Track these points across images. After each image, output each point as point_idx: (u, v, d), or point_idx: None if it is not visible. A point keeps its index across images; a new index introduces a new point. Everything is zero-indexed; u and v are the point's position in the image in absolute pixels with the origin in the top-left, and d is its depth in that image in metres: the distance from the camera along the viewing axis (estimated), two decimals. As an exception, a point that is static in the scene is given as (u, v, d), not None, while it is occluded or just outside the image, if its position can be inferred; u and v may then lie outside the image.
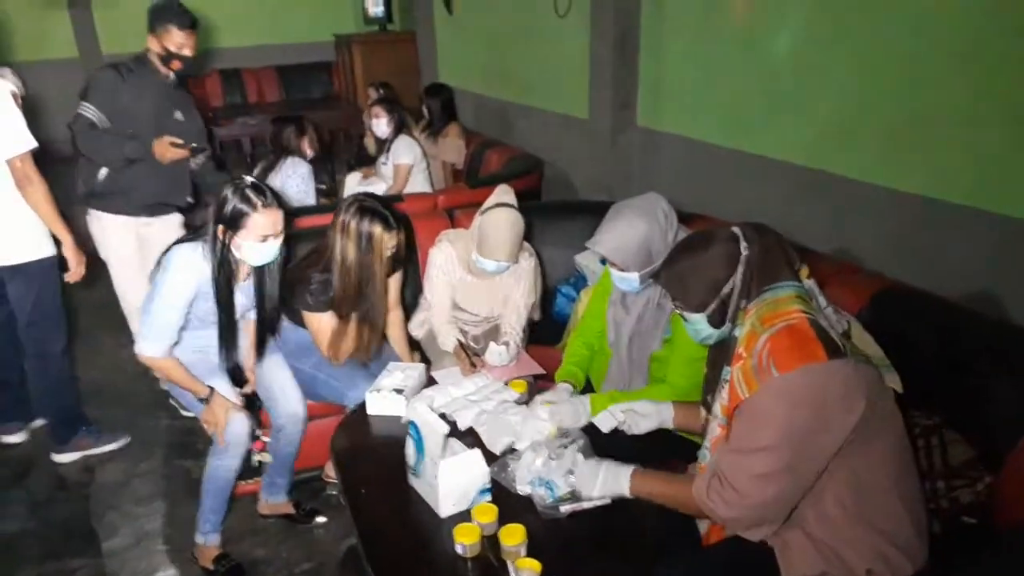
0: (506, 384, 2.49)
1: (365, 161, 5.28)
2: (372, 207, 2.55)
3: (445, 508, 1.90)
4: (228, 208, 2.29)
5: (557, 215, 3.64)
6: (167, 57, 3.17)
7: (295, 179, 4.14)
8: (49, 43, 8.54)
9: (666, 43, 4.22)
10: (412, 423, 1.98)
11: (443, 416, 2.22)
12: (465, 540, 1.75)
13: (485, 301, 2.94)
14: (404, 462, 2.03)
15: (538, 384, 2.59)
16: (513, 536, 1.72)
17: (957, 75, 2.73)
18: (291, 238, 2.81)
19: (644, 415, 2.03)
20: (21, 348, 3.16)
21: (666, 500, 1.76)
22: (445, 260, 2.89)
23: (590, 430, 2.10)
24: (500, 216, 2.67)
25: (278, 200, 2.37)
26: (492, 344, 2.75)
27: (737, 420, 1.60)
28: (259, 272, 2.50)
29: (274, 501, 2.87)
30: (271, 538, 2.81)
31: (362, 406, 2.46)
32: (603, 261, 2.32)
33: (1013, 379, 1.93)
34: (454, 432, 2.20)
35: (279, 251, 2.43)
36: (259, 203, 2.29)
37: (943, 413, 1.95)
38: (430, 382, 2.61)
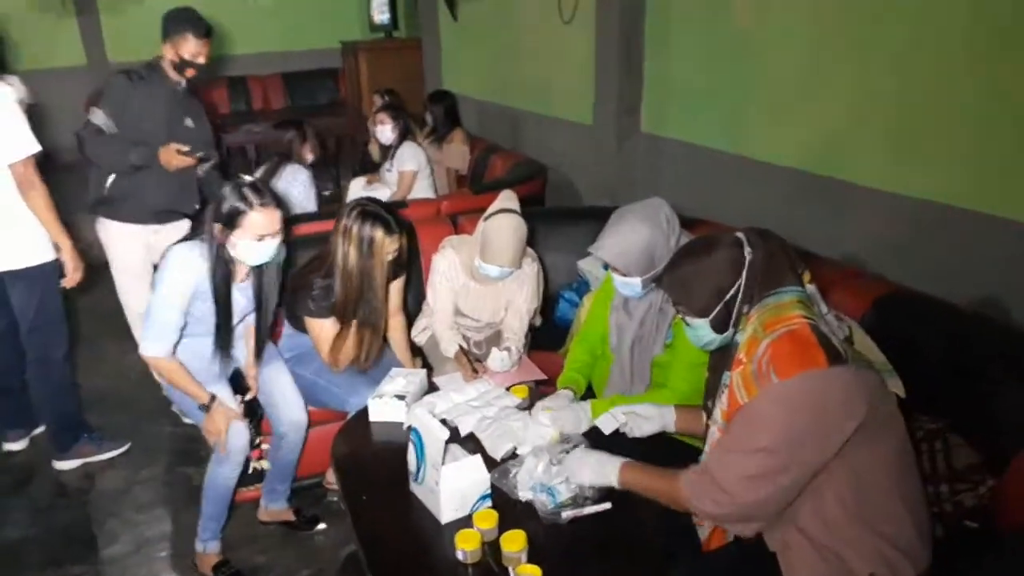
0: (508, 390, 2.49)
1: (369, 167, 5.29)
2: (374, 211, 2.54)
3: (446, 514, 1.89)
4: (225, 206, 2.30)
5: (560, 221, 3.65)
6: (182, 65, 3.18)
7: (296, 186, 4.14)
8: (57, 51, 8.59)
9: (670, 49, 4.22)
10: (413, 429, 1.97)
11: (444, 422, 2.21)
12: (466, 546, 1.74)
13: (488, 307, 2.94)
14: (405, 468, 2.02)
15: (540, 390, 2.58)
16: (514, 542, 1.71)
17: (963, 78, 2.72)
18: (294, 244, 2.82)
19: (646, 418, 2.02)
20: (22, 355, 3.16)
21: (654, 494, 1.76)
22: (448, 266, 2.88)
23: (591, 435, 2.09)
24: (503, 222, 2.66)
25: (276, 200, 2.37)
26: (494, 350, 2.74)
27: (733, 422, 1.59)
28: (258, 273, 2.49)
29: (274, 508, 2.86)
30: (271, 545, 2.80)
31: (363, 412, 2.45)
32: (606, 266, 2.31)
33: (1018, 384, 1.92)
34: (455, 438, 2.20)
35: (277, 251, 2.43)
36: (256, 202, 2.29)
37: (947, 417, 1.94)
38: (432, 388, 2.60)
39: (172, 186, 3.23)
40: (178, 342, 2.43)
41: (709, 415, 1.77)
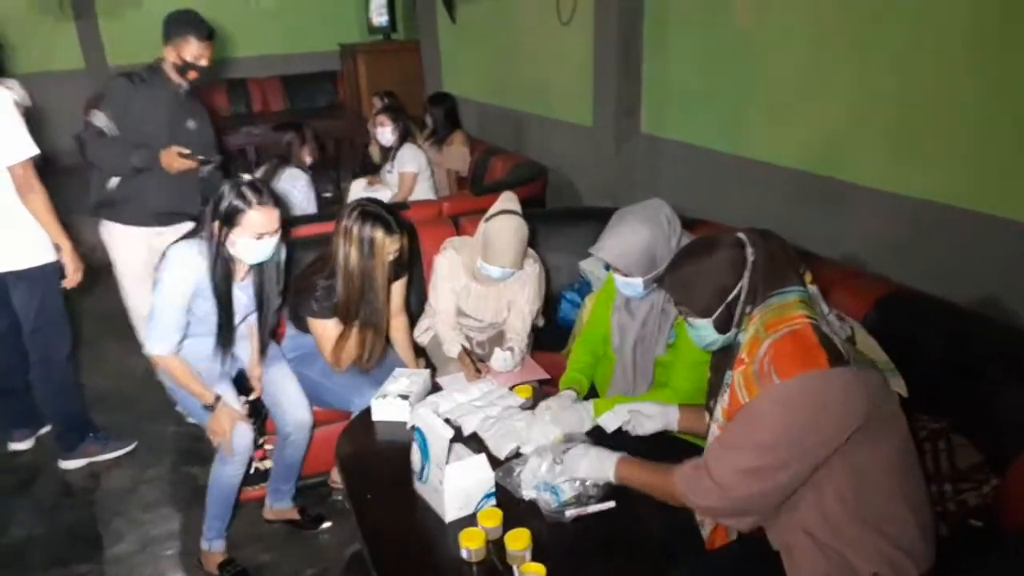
0: (511, 390, 2.50)
1: (370, 169, 5.30)
2: (374, 212, 2.56)
3: (450, 513, 1.90)
4: (224, 204, 2.32)
5: (561, 222, 3.66)
6: (184, 67, 3.19)
7: (296, 190, 4.14)
8: (56, 54, 8.58)
9: (669, 50, 4.23)
10: (417, 429, 1.99)
11: (448, 422, 2.22)
12: (470, 545, 1.75)
13: (490, 307, 2.95)
14: (409, 467, 2.04)
15: (543, 389, 2.60)
16: (518, 540, 1.72)
17: (963, 78, 2.73)
18: (294, 245, 2.84)
19: (649, 416, 2.04)
20: (25, 355, 3.17)
21: (650, 488, 1.77)
22: (450, 267, 2.90)
23: (594, 435, 2.11)
24: (504, 223, 2.68)
25: (275, 199, 2.39)
26: (497, 350, 2.75)
27: (733, 420, 1.61)
28: (258, 271, 2.51)
29: (279, 507, 2.87)
30: (276, 543, 2.81)
31: (367, 412, 2.47)
32: (607, 267, 2.33)
33: (1019, 383, 1.93)
34: (459, 437, 2.21)
35: (275, 250, 2.44)
36: (254, 200, 2.32)
37: (949, 417, 1.95)
38: (435, 388, 2.62)
39: (174, 188, 3.24)
40: (182, 341, 2.45)
41: (711, 414, 1.79)
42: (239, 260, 2.42)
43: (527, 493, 1.94)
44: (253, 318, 2.62)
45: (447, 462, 1.88)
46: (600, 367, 2.54)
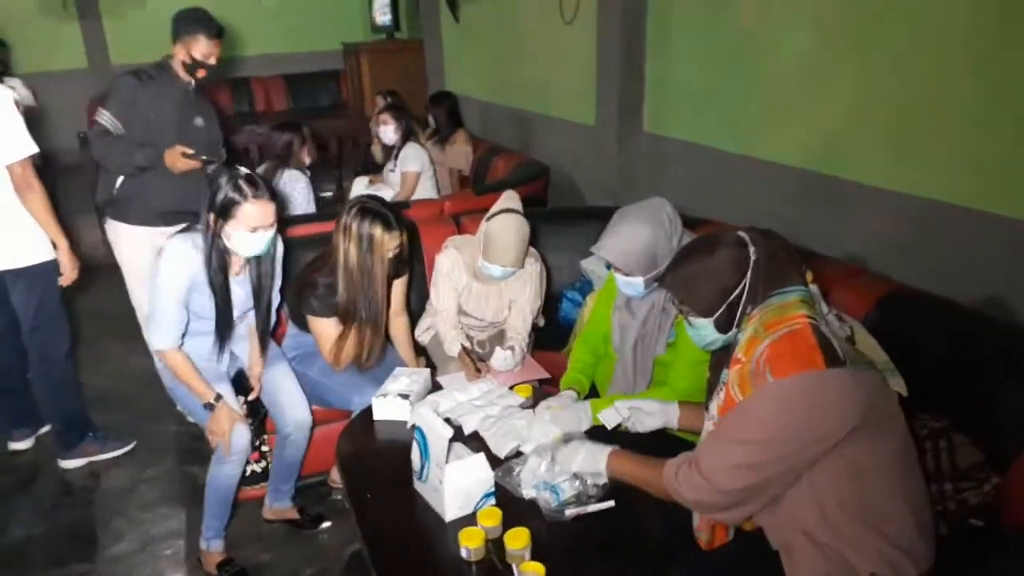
0: (511, 389, 2.49)
1: (372, 168, 5.31)
2: (373, 208, 2.56)
3: (450, 512, 1.89)
4: (220, 197, 2.32)
5: (563, 221, 3.66)
6: (193, 65, 3.19)
7: (295, 193, 4.14)
8: (59, 54, 8.61)
9: (672, 49, 4.22)
10: (417, 428, 1.98)
11: (448, 421, 2.22)
12: (470, 544, 1.75)
13: (491, 306, 2.95)
14: (409, 467, 2.03)
15: (543, 389, 2.59)
16: (517, 540, 1.72)
17: (964, 76, 2.72)
18: (293, 245, 2.84)
19: (649, 413, 2.03)
20: (24, 354, 3.18)
21: (641, 482, 1.78)
22: (451, 266, 2.89)
23: (593, 434, 2.10)
24: (506, 222, 2.68)
25: (271, 193, 2.39)
26: (498, 349, 2.75)
27: (727, 417, 1.60)
28: (253, 265, 2.51)
29: (279, 506, 2.87)
30: (276, 543, 2.81)
31: (368, 411, 2.46)
32: (608, 266, 2.32)
33: (1021, 383, 1.93)
34: (459, 437, 2.21)
35: (270, 244, 2.44)
36: (250, 193, 2.32)
37: (950, 416, 1.94)
38: (436, 387, 2.61)
39: (179, 188, 3.23)
40: (183, 337, 2.46)
41: (708, 412, 1.78)
42: (234, 253, 2.42)
43: (527, 492, 1.94)
44: (252, 316, 2.62)
45: (447, 461, 1.87)
46: (601, 366, 2.53)
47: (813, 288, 1.68)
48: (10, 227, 2.91)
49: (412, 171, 4.62)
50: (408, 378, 2.55)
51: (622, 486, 1.87)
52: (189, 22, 3.16)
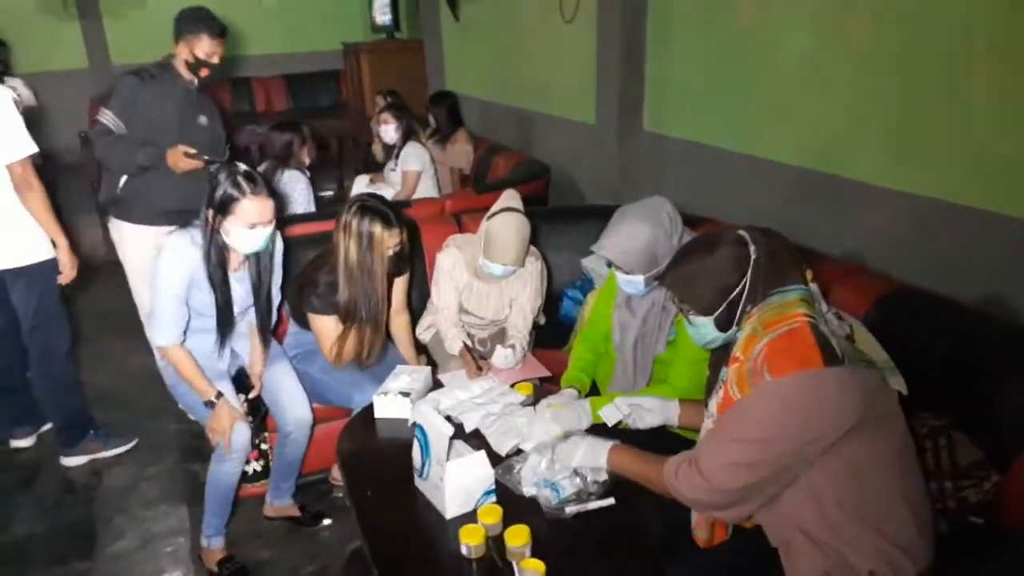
0: (512, 387, 2.50)
1: (373, 168, 5.31)
2: (373, 206, 2.57)
3: (451, 509, 1.90)
4: (219, 193, 2.33)
5: (564, 219, 3.66)
6: (196, 64, 3.19)
7: (295, 194, 4.14)
8: (60, 53, 8.61)
9: (672, 48, 4.23)
10: (418, 425, 1.99)
11: (449, 418, 2.23)
12: (470, 541, 1.75)
13: (492, 305, 2.95)
14: (410, 464, 2.03)
15: (544, 387, 2.59)
16: (518, 537, 1.72)
17: (964, 75, 2.73)
18: (295, 244, 2.84)
19: (649, 410, 2.03)
20: (25, 353, 3.18)
21: (640, 478, 1.78)
22: (452, 264, 2.90)
23: (594, 431, 2.10)
24: (506, 221, 2.68)
25: (269, 190, 2.39)
26: (498, 347, 2.75)
27: (725, 415, 1.60)
28: (253, 263, 2.52)
29: (280, 504, 2.87)
30: (276, 540, 2.82)
31: (368, 409, 2.47)
32: (609, 264, 2.32)
33: (1021, 380, 1.93)
34: (460, 434, 2.21)
35: (268, 241, 2.45)
36: (248, 190, 2.33)
37: (951, 414, 1.94)
38: (436, 385, 2.62)
39: (181, 187, 3.23)
40: (184, 333, 2.46)
41: (707, 409, 1.78)
42: (233, 249, 2.43)
43: (527, 490, 1.94)
44: (252, 314, 2.62)
45: (448, 459, 1.88)
46: (601, 364, 2.54)
47: (813, 287, 1.68)
48: (10, 226, 2.91)
49: (413, 170, 4.63)
50: (409, 376, 2.55)
51: (622, 483, 1.88)
52: (192, 21, 3.16)
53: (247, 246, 2.41)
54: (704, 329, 1.72)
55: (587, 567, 1.76)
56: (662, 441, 2.03)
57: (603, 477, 1.93)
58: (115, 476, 3.25)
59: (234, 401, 2.56)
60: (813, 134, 3.41)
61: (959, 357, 2.07)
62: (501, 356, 2.71)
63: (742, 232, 1.68)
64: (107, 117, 3.11)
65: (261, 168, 4.19)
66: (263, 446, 2.83)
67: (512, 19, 5.92)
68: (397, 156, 4.71)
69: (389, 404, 2.42)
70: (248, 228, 2.35)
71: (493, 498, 1.94)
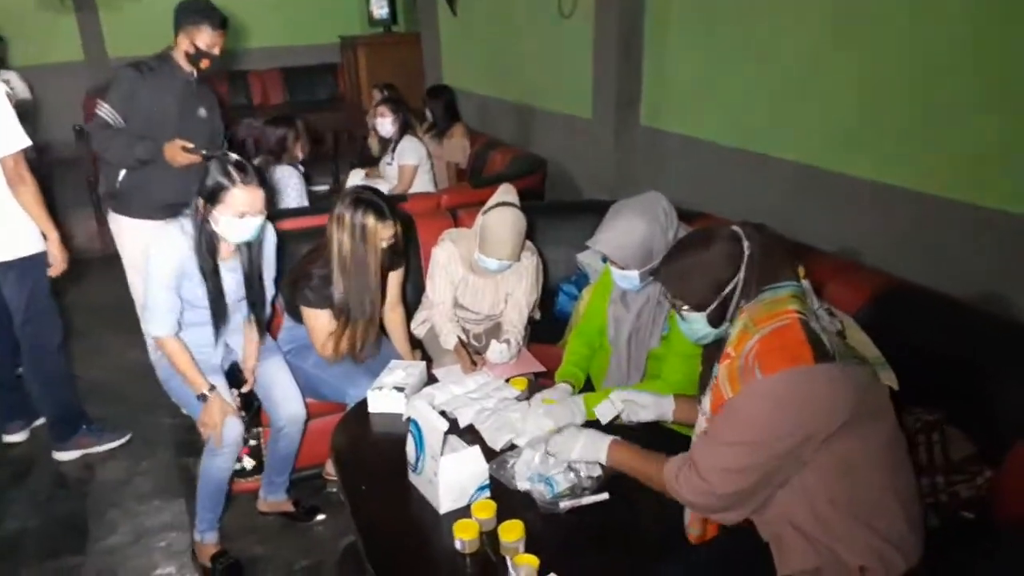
0: (507, 382, 2.49)
1: (369, 162, 5.29)
2: (367, 199, 2.56)
3: (445, 504, 1.90)
4: (209, 181, 2.33)
5: (560, 214, 3.65)
6: (197, 56, 3.17)
7: (288, 189, 4.13)
8: (55, 46, 8.59)
9: (670, 43, 4.22)
10: (412, 420, 1.98)
11: (443, 414, 2.23)
12: (464, 536, 1.75)
13: (487, 299, 2.94)
14: (404, 459, 2.03)
15: (539, 381, 2.59)
16: (512, 532, 1.72)
17: (963, 70, 2.72)
18: (289, 238, 2.83)
19: (644, 406, 2.03)
20: (17, 347, 3.17)
21: (640, 475, 1.78)
22: (448, 259, 2.89)
23: (589, 426, 2.10)
24: (502, 215, 2.67)
25: (260, 180, 2.39)
26: (493, 342, 2.74)
27: (718, 415, 1.60)
28: (243, 253, 2.51)
29: (273, 499, 2.87)
30: (270, 535, 2.81)
31: (363, 404, 2.46)
32: (604, 259, 2.32)
33: (1015, 376, 1.93)
34: (454, 429, 2.21)
35: (259, 231, 2.44)
36: (238, 179, 2.32)
37: (945, 409, 1.94)
38: (431, 380, 2.61)
39: (180, 181, 3.21)
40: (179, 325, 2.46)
41: (701, 406, 1.78)
42: (223, 239, 2.42)
43: (521, 485, 1.94)
44: (246, 308, 2.61)
45: (442, 454, 1.87)
46: (596, 359, 2.53)
47: (805, 283, 1.67)
48: (1, 220, 2.90)
49: (409, 164, 4.61)
50: (404, 371, 2.54)
51: (616, 478, 1.88)
52: (193, 11, 3.13)
53: (237, 235, 2.40)
54: (696, 325, 1.71)
55: (581, 562, 1.76)
56: (656, 436, 2.03)
57: (597, 472, 1.93)
58: (108, 471, 3.24)
59: (227, 395, 2.55)
60: (810, 130, 3.40)
61: (954, 352, 2.07)
62: (496, 351, 2.70)
63: (736, 228, 1.68)
64: (105, 110, 3.09)
65: (255, 162, 4.17)
66: (252, 442, 2.82)
67: (509, 13, 5.90)
68: (393, 150, 4.69)
69: (383, 399, 2.42)
70: (238, 217, 2.34)
71: (487, 493, 1.93)
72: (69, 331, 3.33)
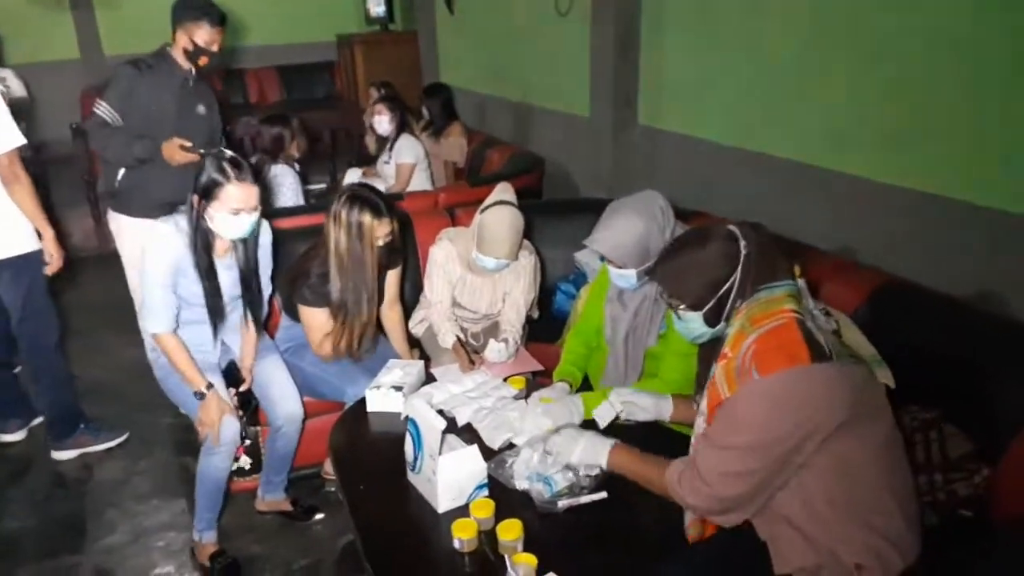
0: (505, 381, 2.50)
1: (366, 160, 5.28)
2: (363, 196, 2.56)
3: (443, 504, 1.90)
4: (204, 178, 2.33)
5: (557, 213, 3.65)
6: (196, 52, 3.15)
7: (283, 188, 4.13)
8: (51, 44, 8.56)
9: (667, 41, 4.22)
10: (411, 419, 1.98)
11: (442, 413, 2.23)
12: (463, 535, 1.75)
13: (485, 298, 2.94)
14: (402, 458, 2.03)
15: (537, 380, 2.59)
16: (510, 531, 1.72)
17: (959, 68, 2.73)
18: (285, 237, 2.83)
19: (643, 408, 2.03)
20: (13, 346, 3.17)
21: (641, 479, 1.78)
22: (445, 258, 2.89)
23: (587, 425, 2.10)
24: (500, 214, 2.67)
25: (255, 176, 2.39)
26: (491, 341, 2.74)
27: (717, 417, 1.60)
28: (239, 250, 2.51)
29: (272, 498, 2.87)
30: (269, 535, 2.81)
31: (361, 403, 2.46)
32: (602, 258, 2.32)
33: (1013, 374, 1.93)
34: (452, 428, 2.21)
35: (253, 228, 2.44)
36: (233, 175, 2.32)
37: (942, 407, 1.95)
38: (429, 379, 2.61)
39: (179, 180, 3.20)
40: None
41: (698, 407, 1.78)
42: (218, 235, 2.42)
43: (520, 484, 1.94)
44: (243, 307, 2.61)
45: (440, 453, 1.88)
46: (593, 358, 2.54)
47: (800, 283, 1.68)
48: None
49: (407, 163, 4.61)
50: (402, 370, 2.54)
51: (614, 478, 1.87)
52: (191, 8, 3.12)
53: (231, 232, 2.40)
54: (692, 324, 1.71)
55: (579, 561, 1.76)
56: (655, 435, 2.03)
57: (595, 471, 1.93)
58: (106, 470, 3.24)
59: (224, 394, 2.55)
60: (807, 128, 3.41)
61: (951, 351, 2.08)
62: (494, 350, 2.70)
63: (732, 227, 1.68)
64: (103, 109, 3.08)
65: (252, 161, 4.16)
66: (247, 441, 2.82)
67: (507, 12, 5.90)
68: (391, 148, 4.69)
69: (382, 398, 2.42)
70: (232, 214, 2.34)
71: (485, 492, 1.93)
72: (66, 330, 3.32)
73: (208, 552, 2.63)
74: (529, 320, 3.07)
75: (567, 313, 3.16)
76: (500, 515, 1.80)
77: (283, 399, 2.67)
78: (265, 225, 2.60)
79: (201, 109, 3.28)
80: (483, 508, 1.83)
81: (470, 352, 2.76)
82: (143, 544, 2.80)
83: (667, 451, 1.77)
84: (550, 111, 5.47)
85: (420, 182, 4.68)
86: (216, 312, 2.51)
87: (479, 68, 6.62)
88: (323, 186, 5.66)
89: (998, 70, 2.60)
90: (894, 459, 1.60)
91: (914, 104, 2.89)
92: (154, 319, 2.41)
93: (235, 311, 2.62)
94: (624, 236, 2.19)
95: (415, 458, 1.97)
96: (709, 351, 1.77)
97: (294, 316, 2.81)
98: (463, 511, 1.87)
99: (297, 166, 4.29)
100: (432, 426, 1.89)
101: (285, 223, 3.16)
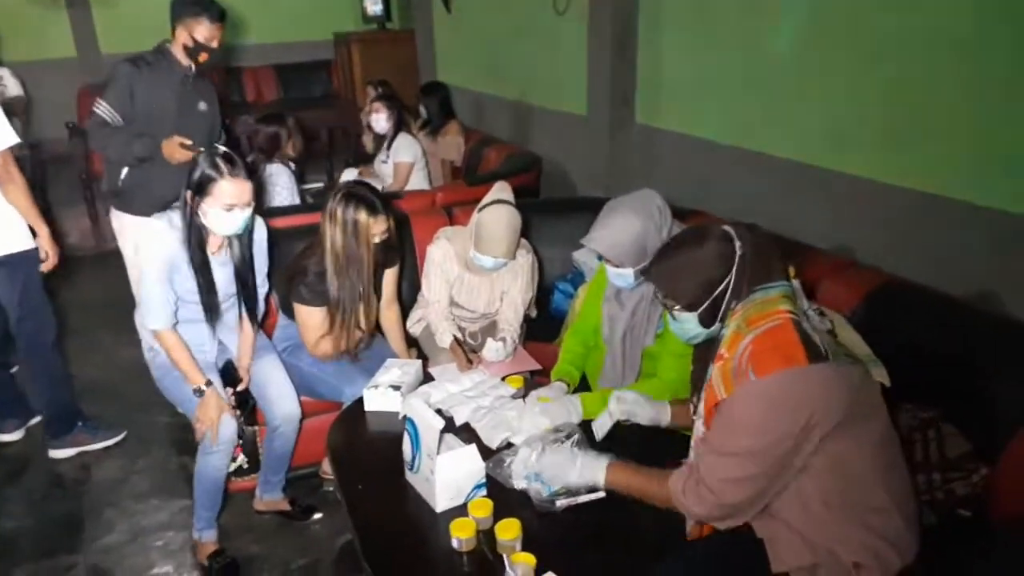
0: (503, 380, 2.49)
1: (363, 160, 5.28)
2: (358, 194, 2.56)
3: (441, 503, 1.90)
4: (197, 173, 2.33)
5: (555, 212, 3.65)
6: (196, 49, 3.14)
7: (279, 188, 4.12)
8: (48, 43, 8.53)
9: (664, 40, 4.22)
10: (409, 419, 1.98)
11: (440, 412, 2.23)
12: (461, 535, 1.75)
13: (483, 297, 2.94)
14: (400, 458, 2.03)
15: (535, 380, 2.59)
16: (508, 531, 1.72)
17: (958, 67, 2.73)
18: (280, 236, 2.83)
19: (640, 417, 2.02)
20: (10, 346, 3.16)
21: (641, 494, 1.76)
22: (443, 257, 2.88)
23: (585, 424, 2.10)
24: (497, 213, 2.67)
25: (248, 172, 2.39)
26: (489, 340, 2.74)
27: (715, 421, 1.60)
28: (234, 247, 2.52)
29: (270, 498, 2.87)
30: (267, 534, 2.81)
31: (359, 402, 2.46)
32: (599, 257, 2.32)
33: (1011, 374, 1.94)
34: (450, 428, 2.21)
35: (246, 224, 2.44)
36: (226, 171, 2.32)
37: (940, 407, 1.95)
38: (427, 378, 2.61)
39: (180, 177, 3.20)
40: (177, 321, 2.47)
41: (695, 409, 1.78)
42: (211, 232, 2.42)
43: (518, 483, 1.93)
44: (239, 305, 2.61)
45: (438, 452, 1.88)
46: (591, 358, 2.54)
47: (795, 283, 1.68)
48: None
49: (405, 162, 4.60)
50: (399, 369, 2.54)
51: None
52: (191, 4, 3.11)
53: (224, 228, 2.40)
54: (688, 325, 1.71)
55: (578, 560, 1.76)
56: (655, 435, 2.03)
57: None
58: (104, 469, 3.24)
59: (221, 394, 2.54)
60: (805, 127, 3.41)
61: (949, 350, 2.08)
62: (492, 349, 2.70)
63: (727, 227, 1.67)
64: (102, 108, 3.08)
65: (248, 159, 4.16)
66: (240, 440, 2.82)
67: (504, 11, 5.89)
68: (388, 147, 4.68)
69: (379, 397, 2.42)
70: (225, 210, 2.34)
71: (483, 491, 1.93)
72: (64, 329, 3.32)
73: (207, 551, 2.63)
74: (527, 319, 3.07)
75: (565, 312, 3.16)
76: (498, 514, 1.80)
77: (281, 399, 2.66)
78: (259, 222, 2.60)
79: (202, 106, 3.28)
80: (481, 507, 1.83)
81: (468, 351, 2.76)
82: (141, 543, 2.80)
83: (667, 452, 1.77)
84: (547, 110, 5.47)
85: (418, 181, 4.68)
86: (211, 309, 2.50)
87: (476, 67, 6.61)
88: (320, 185, 5.66)
89: (998, 70, 2.60)
90: (890, 458, 1.60)
91: (914, 104, 2.89)
92: (153, 316, 2.42)
93: (231, 309, 2.62)
94: (621, 235, 2.19)
95: (413, 457, 1.97)
96: (704, 352, 1.76)
97: (291, 315, 2.80)
98: (461, 510, 1.87)
99: (293, 165, 4.28)
100: (430, 425, 1.89)
101: (282, 222, 3.16)
